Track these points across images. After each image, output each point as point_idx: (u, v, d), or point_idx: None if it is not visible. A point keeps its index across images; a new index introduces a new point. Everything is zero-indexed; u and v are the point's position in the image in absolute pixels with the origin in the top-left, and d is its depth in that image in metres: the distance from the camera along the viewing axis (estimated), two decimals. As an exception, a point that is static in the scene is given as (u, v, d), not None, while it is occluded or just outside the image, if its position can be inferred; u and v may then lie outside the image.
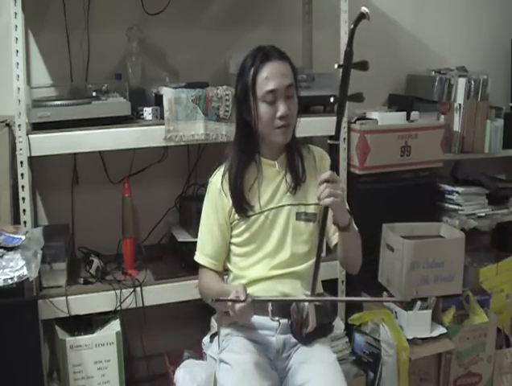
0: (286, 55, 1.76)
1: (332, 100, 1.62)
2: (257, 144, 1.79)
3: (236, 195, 1.78)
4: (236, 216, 1.79)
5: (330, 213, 1.70)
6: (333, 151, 1.68)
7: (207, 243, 1.83)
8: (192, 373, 2.14)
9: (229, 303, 1.59)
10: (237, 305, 1.58)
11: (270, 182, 1.80)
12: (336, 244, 1.82)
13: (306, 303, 1.68)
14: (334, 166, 1.66)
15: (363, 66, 1.57)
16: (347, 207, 1.75)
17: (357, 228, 1.79)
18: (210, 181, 1.84)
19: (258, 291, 1.76)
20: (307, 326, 1.70)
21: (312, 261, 1.76)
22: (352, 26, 1.56)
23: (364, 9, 1.53)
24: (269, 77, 1.69)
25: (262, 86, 1.70)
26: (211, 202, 1.82)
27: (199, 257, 1.85)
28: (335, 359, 1.75)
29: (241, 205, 1.78)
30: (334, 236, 1.81)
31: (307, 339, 1.74)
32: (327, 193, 1.60)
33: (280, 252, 1.79)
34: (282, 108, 1.70)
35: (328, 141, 1.67)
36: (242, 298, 1.57)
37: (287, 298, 1.76)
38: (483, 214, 2.81)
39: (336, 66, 1.60)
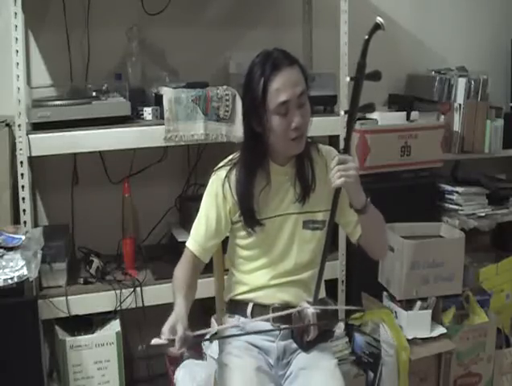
0: (295, 59, 1.67)
1: (342, 112, 1.60)
2: (266, 152, 1.72)
3: (244, 208, 1.72)
4: (239, 217, 1.75)
5: (345, 211, 1.69)
6: None
7: (201, 231, 1.76)
8: (191, 373, 2.15)
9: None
10: (170, 349, 1.48)
11: (279, 190, 1.75)
12: (359, 236, 1.77)
13: (308, 310, 1.66)
14: (347, 147, 1.61)
15: (376, 77, 1.53)
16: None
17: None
18: (215, 172, 1.78)
19: (259, 297, 1.76)
20: (308, 334, 1.68)
21: (316, 269, 1.72)
22: (366, 37, 1.51)
23: (379, 19, 1.49)
24: (280, 88, 1.60)
25: (274, 98, 1.60)
26: (212, 193, 1.76)
27: (189, 242, 1.78)
28: (335, 366, 1.73)
29: (250, 218, 1.72)
30: (356, 229, 1.76)
31: (308, 346, 1.72)
32: (338, 175, 1.56)
33: (284, 261, 1.76)
34: (296, 120, 1.62)
35: (337, 154, 1.61)
36: (177, 348, 1.47)
37: (225, 326, 1.75)
38: (483, 214, 2.81)
39: (348, 79, 1.55)
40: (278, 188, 1.75)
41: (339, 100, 2.50)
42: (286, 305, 1.74)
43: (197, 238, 1.77)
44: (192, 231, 1.79)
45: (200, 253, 1.76)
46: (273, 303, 1.75)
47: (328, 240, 1.70)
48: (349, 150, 1.61)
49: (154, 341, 1.47)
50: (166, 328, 1.50)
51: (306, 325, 1.67)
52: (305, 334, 1.69)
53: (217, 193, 1.75)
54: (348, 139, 1.61)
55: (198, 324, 2.58)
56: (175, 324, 1.52)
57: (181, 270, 1.74)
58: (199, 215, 1.79)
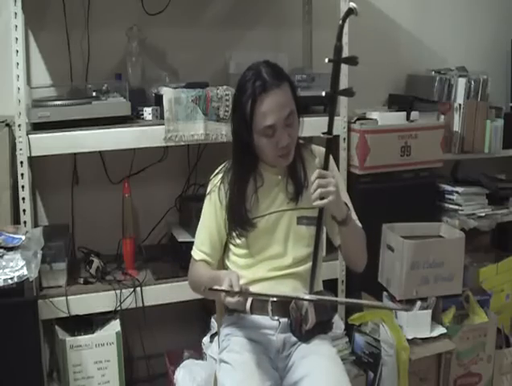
0: (283, 76, 1.68)
1: (323, 93, 1.61)
2: (257, 157, 1.75)
3: (235, 210, 1.75)
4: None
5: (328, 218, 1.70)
6: (329, 145, 1.64)
7: (204, 240, 1.82)
8: (192, 373, 2.15)
9: (223, 294, 1.53)
10: (230, 299, 1.53)
11: (271, 189, 1.77)
12: (340, 244, 1.80)
13: (305, 297, 1.67)
14: (327, 162, 1.63)
15: (353, 61, 1.57)
16: (348, 202, 1.75)
17: (360, 225, 1.78)
18: (211, 179, 1.83)
19: (256, 290, 1.75)
20: (306, 323, 1.70)
21: None
22: (340, 22, 1.55)
23: (352, 4, 1.53)
24: (267, 112, 1.62)
25: (261, 121, 1.63)
26: (211, 202, 1.81)
27: (195, 253, 1.84)
28: (335, 353, 1.75)
29: (242, 219, 1.75)
30: (338, 236, 1.78)
31: (306, 336, 1.73)
32: (317, 195, 1.59)
33: (281, 257, 1.78)
34: (283, 140, 1.65)
35: (321, 135, 1.63)
36: (236, 290, 1.52)
37: (283, 295, 1.72)
38: (483, 214, 2.81)
39: (326, 60, 1.57)
40: (271, 187, 1.77)
41: (339, 100, 2.50)
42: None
43: (202, 247, 1.82)
44: (196, 240, 1.85)
45: (206, 259, 1.82)
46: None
47: (318, 229, 1.69)
48: (332, 131, 1.62)
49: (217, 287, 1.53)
50: (225, 280, 1.54)
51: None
52: (303, 324, 1.70)
53: (215, 201, 1.79)
54: (330, 121, 1.61)
55: (198, 324, 2.59)
56: (231, 278, 1.54)
57: (195, 271, 1.82)
58: (200, 224, 1.84)
